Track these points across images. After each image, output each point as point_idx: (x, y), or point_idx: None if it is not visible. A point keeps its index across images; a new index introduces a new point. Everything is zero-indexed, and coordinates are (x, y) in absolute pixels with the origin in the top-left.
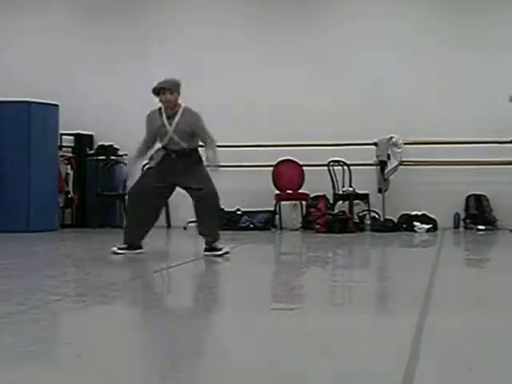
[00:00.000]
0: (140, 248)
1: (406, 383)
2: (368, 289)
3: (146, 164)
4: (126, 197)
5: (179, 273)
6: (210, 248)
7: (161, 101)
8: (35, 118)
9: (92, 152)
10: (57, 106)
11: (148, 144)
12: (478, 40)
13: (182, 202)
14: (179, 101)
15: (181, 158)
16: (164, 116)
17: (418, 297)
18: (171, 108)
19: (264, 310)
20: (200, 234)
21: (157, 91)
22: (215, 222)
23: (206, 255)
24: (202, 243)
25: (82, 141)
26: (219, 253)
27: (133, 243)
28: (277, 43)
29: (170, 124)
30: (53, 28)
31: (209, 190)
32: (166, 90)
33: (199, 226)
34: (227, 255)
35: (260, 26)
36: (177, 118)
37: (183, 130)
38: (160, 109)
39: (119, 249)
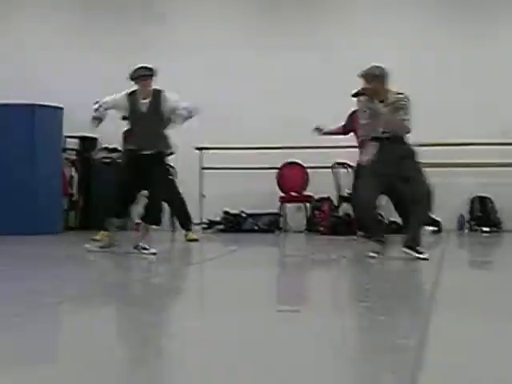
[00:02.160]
0: None
1: None
2: (374, 290)
3: None
4: None
5: (183, 275)
6: None
7: None
8: (40, 120)
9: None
10: (61, 108)
11: None
12: (485, 39)
13: None
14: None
15: None
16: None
17: (422, 298)
18: None
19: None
20: None
21: None
22: None
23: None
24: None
25: (87, 144)
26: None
27: None
28: (278, 43)
29: None
30: (56, 30)
31: None
32: None
33: None
34: None
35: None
36: None
37: None
38: None
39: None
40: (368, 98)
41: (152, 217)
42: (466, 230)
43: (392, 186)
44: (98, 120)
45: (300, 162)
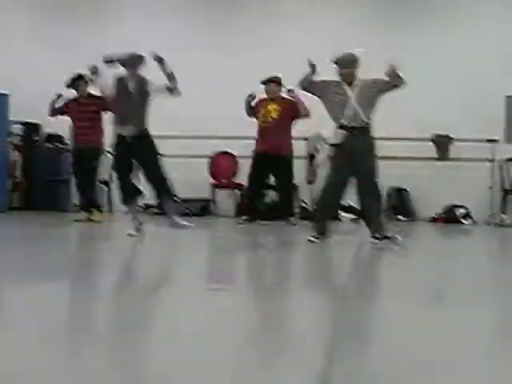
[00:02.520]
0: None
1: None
2: (294, 269)
3: None
4: None
5: (128, 250)
6: None
7: None
8: None
9: (38, 139)
10: (5, 95)
11: None
12: (408, 40)
13: None
14: None
15: None
16: None
17: (342, 281)
18: None
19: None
20: None
21: None
22: None
23: None
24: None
25: (30, 129)
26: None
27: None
28: (230, 42)
29: None
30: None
31: None
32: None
33: None
34: None
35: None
36: None
37: None
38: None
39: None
40: (340, 83)
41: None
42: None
43: (351, 176)
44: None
45: (231, 151)
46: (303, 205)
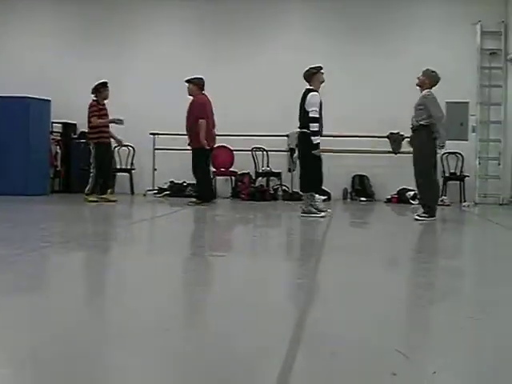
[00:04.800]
0: None
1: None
2: (278, 241)
3: None
4: None
5: (138, 228)
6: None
7: None
8: (33, 110)
9: (75, 136)
10: (49, 101)
11: None
12: (369, 50)
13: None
14: None
15: None
16: None
17: (315, 247)
18: None
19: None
20: None
21: None
22: None
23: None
24: (156, 207)
25: (68, 128)
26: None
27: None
28: (220, 56)
29: None
30: (48, 42)
31: None
32: None
33: None
34: None
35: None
36: None
37: None
38: None
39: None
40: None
41: None
42: (349, 200)
43: None
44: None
45: (228, 145)
46: (285, 188)
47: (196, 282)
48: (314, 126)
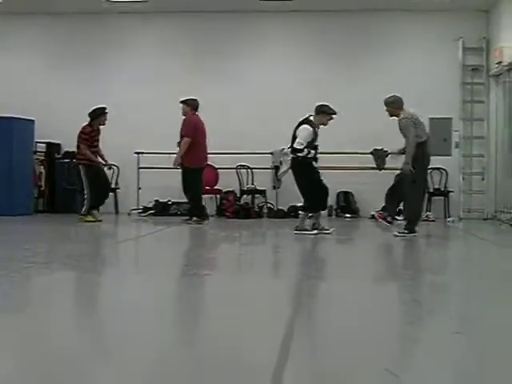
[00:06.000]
0: None
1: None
2: (262, 259)
3: None
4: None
5: (124, 247)
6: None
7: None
8: (16, 129)
9: (59, 156)
10: (33, 121)
11: None
12: (345, 75)
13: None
14: None
15: None
16: None
17: (303, 263)
18: None
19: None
20: None
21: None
22: None
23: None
24: (141, 226)
25: (52, 147)
26: None
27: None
28: (203, 75)
29: None
30: (34, 63)
31: None
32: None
33: None
34: None
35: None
36: None
37: None
38: None
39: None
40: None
41: None
42: (334, 216)
43: None
44: None
45: (213, 164)
46: (270, 206)
47: (182, 301)
48: (298, 151)
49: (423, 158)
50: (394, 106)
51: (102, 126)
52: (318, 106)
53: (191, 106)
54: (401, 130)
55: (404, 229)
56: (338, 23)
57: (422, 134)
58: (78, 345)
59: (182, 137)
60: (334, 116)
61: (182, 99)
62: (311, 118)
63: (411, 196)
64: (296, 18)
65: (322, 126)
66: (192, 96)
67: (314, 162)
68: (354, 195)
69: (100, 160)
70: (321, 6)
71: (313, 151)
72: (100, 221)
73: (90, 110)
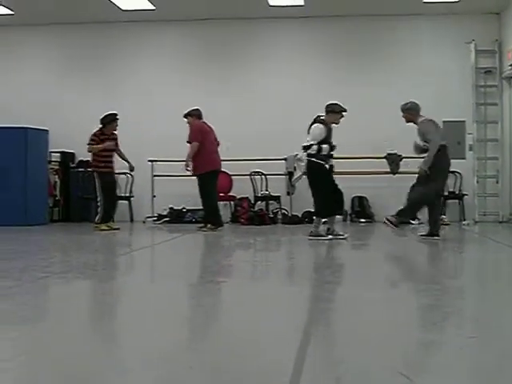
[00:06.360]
0: None
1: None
2: (277, 265)
3: None
4: None
5: (139, 255)
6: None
7: None
8: (31, 139)
9: (74, 165)
10: (47, 131)
11: None
12: (353, 80)
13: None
14: None
15: None
16: None
17: (318, 268)
18: None
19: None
20: None
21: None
22: None
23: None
24: (156, 234)
25: (66, 157)
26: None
27: None
28: (209, 85)
29: None
30: (47, 74)
31: None
32: None
33: None
34: None
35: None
36: None
37: None
38: None
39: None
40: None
41: None
42: (348, 222)
43: None
44: None
45: (227, 170)
46: (284, 212)
47: (200, 308)
48: (307, 148)
49: (443, 161)
50: (410, 112)
51: (115, 132)
52: (326, 106)
53: (195, 115)
54: (421, 134)
55: (393, 215)
56: (350, 28)
57: (443, 138)
58: (95, 353)
59: (189, 143)
60: (344, 114)
61: (185, 113)
62: (322, 116)
63: (420, 192)
64: (308, 24)
65: (335, 126)
66: (196, 106)
67: (327, 166)
68: (369, 200)
69: (126, 163)
70: (332, 11)
71: (325, 146)
72: (118, 229)
73: (102, 116)
